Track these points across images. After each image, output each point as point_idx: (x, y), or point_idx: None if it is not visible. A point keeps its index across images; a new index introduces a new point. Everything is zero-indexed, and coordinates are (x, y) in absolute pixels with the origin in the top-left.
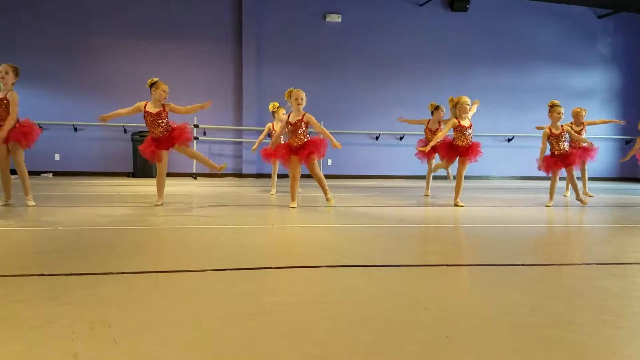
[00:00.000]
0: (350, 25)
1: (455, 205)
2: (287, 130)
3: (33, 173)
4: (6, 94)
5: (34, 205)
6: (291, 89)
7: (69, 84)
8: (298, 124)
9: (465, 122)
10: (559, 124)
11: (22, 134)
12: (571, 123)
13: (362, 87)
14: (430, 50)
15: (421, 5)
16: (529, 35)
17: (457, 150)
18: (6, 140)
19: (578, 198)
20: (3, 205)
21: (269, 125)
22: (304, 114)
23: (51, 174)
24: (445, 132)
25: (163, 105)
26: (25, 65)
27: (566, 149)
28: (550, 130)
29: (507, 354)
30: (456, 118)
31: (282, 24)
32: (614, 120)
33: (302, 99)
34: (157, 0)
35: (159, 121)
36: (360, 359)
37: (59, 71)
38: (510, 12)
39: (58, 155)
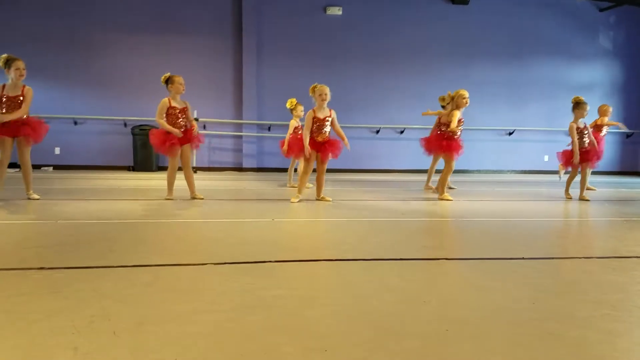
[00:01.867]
0: (350, 18)
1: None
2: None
3: (33, 167)
4: (23, 91)
5: (38, 199)
6: (315, 84)
7: (69, 77)
8: (326, 120)
9: (460, 116)
10: (582, 121)
11: (31, 130)
12: (599, 119)
13: (363, 80)
14: (431, 43)
15: None
16: (530, 28)
17: (454, 142)
18: (16, 134)
19: (581, 196)
20: None
21: (292, 122)
22: (331, 111)
23: (51, 167)
24: (456, 123)
25: (185, 102)
26: (25, 58)
27: (586, 146)
28: (575, 124)
29: (507, 348)
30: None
31: (282, 16)
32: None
33: (326, 94)
34: None
35: (183, 116)
36: (361, 353)
37: (59, 65)
38: (511, 5)
39: (58, 148)
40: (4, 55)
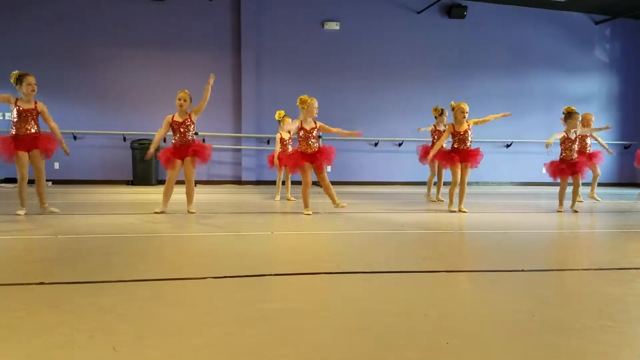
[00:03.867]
0: (348, 32)
1: (460, 211)
2: (298, 136)
3: (32, 181)
4: (36, 106)
5: (57, 212)
6: (306, 97)
7: (68, 92)
8: (312, 131)
9: (461, 128)
10: (574, 131)
11: (50, 144)
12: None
13: (361, 93)
14: (428, 57)
15: (419, 12)
16: (527, 41)
17: (458, 155)
18: (30, 148)
19: (573, 207)
20: (24, 214)
21: (278, 135)
22: (316, 122)
23: (51, 182)
24: (443, 139)
25: (189, 114)
26: None
27: (575, 157)
28: (566, 134)
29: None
30: (452, 124)
31: (281, 31)
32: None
33: (317, 109)
34: (156, 9)
35: (182, 129)
36: None
37: (58, 80)
38: (508, 18)
39: (57, 163)
40: (15, 72)
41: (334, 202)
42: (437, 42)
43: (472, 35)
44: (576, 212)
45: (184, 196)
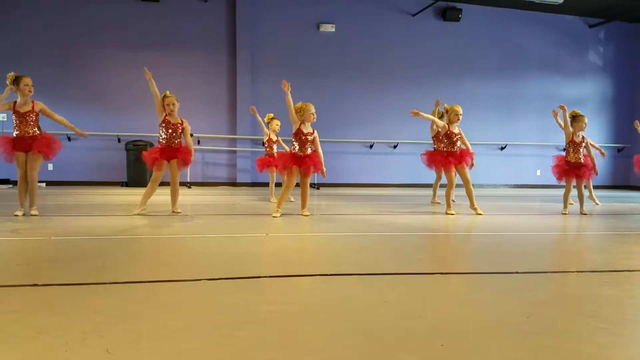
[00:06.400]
0: (343, 35)
1: (475, 212)
2: (294, 140)
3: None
4: (33, 107)
5: (37, 215)
6: (301, 103)
7: (62, 93)
8: (309, 136)
9: (454, 129)
10: (580, 133)
11: (47, 146)
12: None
13: (356, 96)
14: (423, 60)
15: (414, 15)
16: (521, 44)
17: (453, 158)
18: (29, 149)
19: (582, 211)
20: (22, 215)
21: (266, 137)
22: (314, 130)
23: (44, 183)
24: (433, 118)
25: (182, 119)
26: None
27: (581, 160)
28: (572, 136)
29: None
30: (447, 125)
31: (276, 34)
32: (600, 150)
33: (313, 114)
34: (151, 11)
35: (178, 131)
36: None
37: (52, 81)
38: (502, 21)
39: (51, 164)
40: (12, 74)
41: (303, 207)
42: (432, 45)
43: (466, 38)
44: (585, 214)
45: (180, 197)
